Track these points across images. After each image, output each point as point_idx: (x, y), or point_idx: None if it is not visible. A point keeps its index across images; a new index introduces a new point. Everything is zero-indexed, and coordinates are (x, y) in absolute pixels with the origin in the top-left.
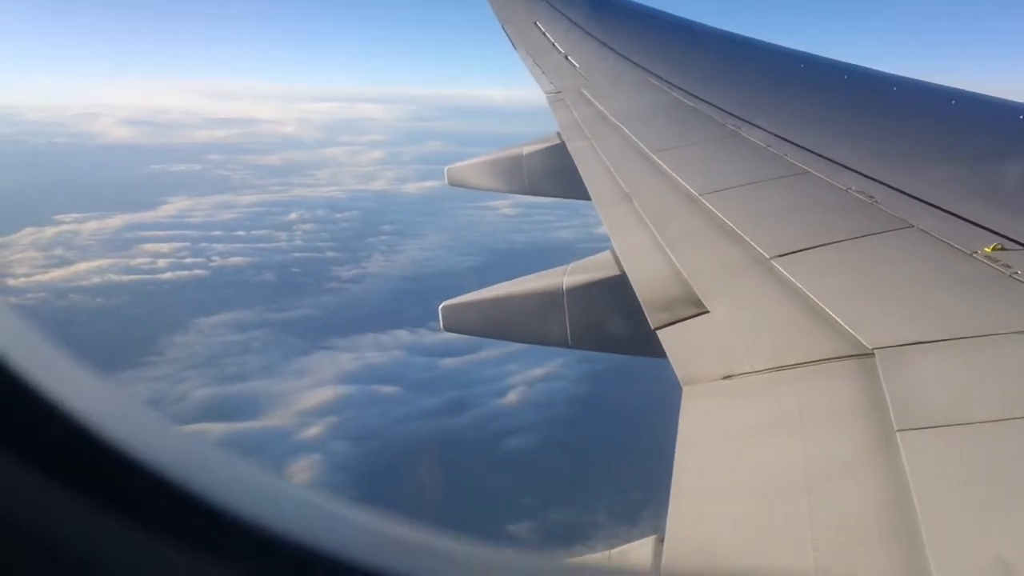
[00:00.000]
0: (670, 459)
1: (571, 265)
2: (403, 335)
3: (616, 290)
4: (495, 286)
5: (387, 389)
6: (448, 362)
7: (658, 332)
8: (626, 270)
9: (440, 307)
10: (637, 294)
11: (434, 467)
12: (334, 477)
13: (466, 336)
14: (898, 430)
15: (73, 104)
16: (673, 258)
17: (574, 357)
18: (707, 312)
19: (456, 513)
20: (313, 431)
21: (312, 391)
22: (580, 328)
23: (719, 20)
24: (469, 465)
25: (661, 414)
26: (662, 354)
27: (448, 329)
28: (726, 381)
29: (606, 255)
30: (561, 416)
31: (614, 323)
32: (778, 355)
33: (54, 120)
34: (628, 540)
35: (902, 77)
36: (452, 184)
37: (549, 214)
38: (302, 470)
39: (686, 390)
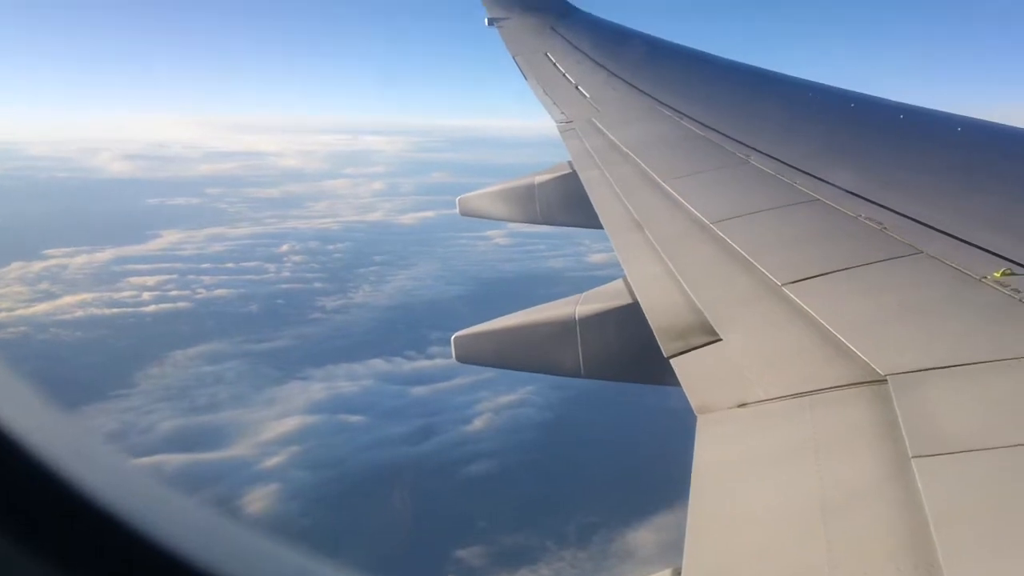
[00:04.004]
0: (627, 483)
1: (583, 294)
2: (379, 364)
3: (629, 319)
4: (507, 316)
5: (354, 418)
6: (418, 390)
7: (671, 360)
8: (639, 299)
9: (452, 338)
10: (650, 323)
11: (389, 493)
12: (287, 506)
13: (438, 364)
14: (913, 456)
15: (76, 138)
16: (685, 286)
17: (545, 384)
18: (720, 340)
19: (406, 538)
20: (274, 461)
21: (279, 421)
22: (593, 358)
23: (724, 49)
24: (426, 491)
25: (629, 439)
26: (675, 383)
27: (460, 360)
28: (741, 409)
29: (618, 284)
30: (524, 442)
31: (627, 352)
32: (792, 383)
33: (56, 155)
34: (575, 564)
35: (910, 105)
36: (464, 214)
37: (541, 243)
38: (257, 499)
39: (700, 419)
